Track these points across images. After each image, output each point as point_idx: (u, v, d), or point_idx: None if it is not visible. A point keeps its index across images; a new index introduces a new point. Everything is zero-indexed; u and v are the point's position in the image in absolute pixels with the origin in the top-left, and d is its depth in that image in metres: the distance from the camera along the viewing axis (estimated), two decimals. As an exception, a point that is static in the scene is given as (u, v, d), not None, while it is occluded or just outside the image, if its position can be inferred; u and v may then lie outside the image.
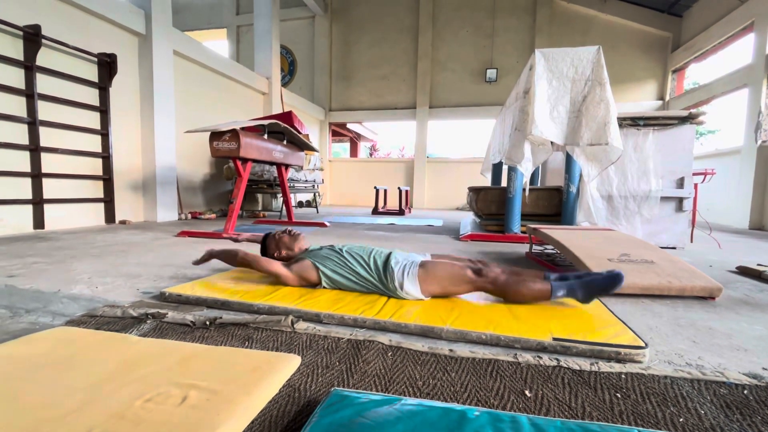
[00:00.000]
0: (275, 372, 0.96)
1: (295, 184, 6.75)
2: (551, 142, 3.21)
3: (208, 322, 1.34)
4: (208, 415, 0.77)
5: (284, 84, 10.43)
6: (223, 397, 0.84)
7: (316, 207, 8.11)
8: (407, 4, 9.93)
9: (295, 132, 4.78)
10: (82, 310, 1.51)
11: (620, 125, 3.35)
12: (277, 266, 1.77)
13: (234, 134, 3.54)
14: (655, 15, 8.46)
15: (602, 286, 1.49)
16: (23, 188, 3.75)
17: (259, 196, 7.80)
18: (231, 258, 1.85)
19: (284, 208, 5.17)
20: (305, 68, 10.78)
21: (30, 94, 3.73)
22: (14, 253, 2.65)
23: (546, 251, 2.99)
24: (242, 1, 10.84)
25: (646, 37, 8.69)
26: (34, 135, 3.78)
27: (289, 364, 1.01)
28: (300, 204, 9.33)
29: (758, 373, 1.09)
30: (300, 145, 5.09)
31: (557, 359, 1.12)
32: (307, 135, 6.29)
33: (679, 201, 3.53)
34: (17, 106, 3.68)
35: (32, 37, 3.71)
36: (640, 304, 1.75)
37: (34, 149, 3.78)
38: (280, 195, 6.23)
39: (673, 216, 3.55)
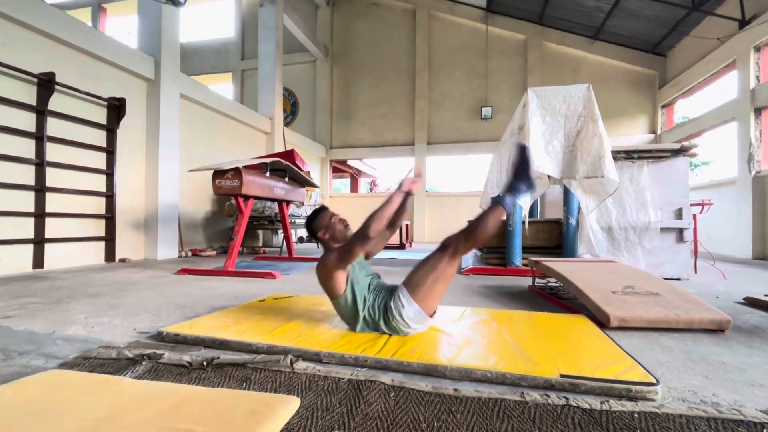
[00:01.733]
0: (273, 415, 0.92)
1: (296, 220, 6.79)
2: (548, 176, 3.26)
3: (205, 363, 1.30)
4: (202, 463, 0.74)
5: (287, 123, 10.76)
6: (219, 444, 0.80)
7: (317, 242, 8.10)
8: (404, 47, 10.45)
9: (297, 169, 4.88)
10: (77, 351, 1.47)
11: (615, 158, 3.43)
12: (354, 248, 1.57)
13: (237, 172, 3.61)
14: (640, 55, 8.87)
15: (518, 163, 1.66)
16: (26, 228, 3.77)
17: (260, 232, 7.81)
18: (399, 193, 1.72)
19: (285, 243, 5.16)
20: (307, 108, 11.17)
21: (40, 137, 3.85)
22: (11, 293, 2.62)
23: (549, 284, 2.96)
24: (247, 47, 11.42)
25: (633, 74, 9.07)
26: (40, 175, 3.85)
27: (287, 407, 0.97)
28: (301, 239, 9.32)
29: (776, 410, 1.04)
30: (301, 181, 5.17)
31: (566, 398, 1.07)
32: (309, 172, 6.42)
33: (680, 231, 3.53)
34: (26, 148, 3.79)
35: (46, 84, 3.88)
36: (648, 338, 1.71)
37: (40, 189, 3.85)
38: (281, 231, 6.25)
39: (675, 247, 3.54)
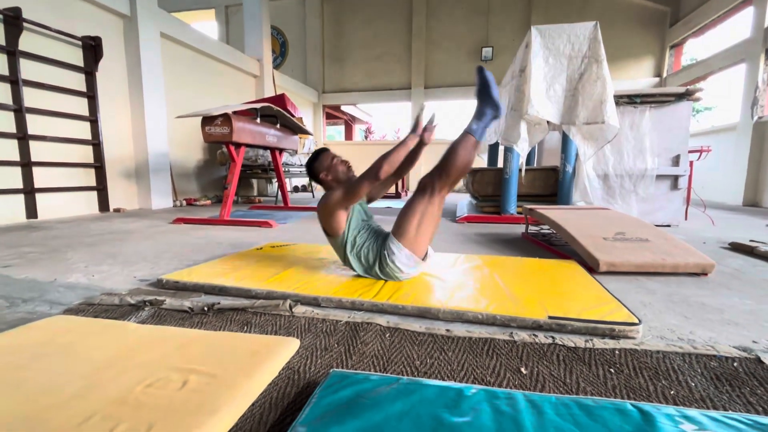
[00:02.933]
0: (274, 355, 0.97)
1: (290, 169, 6.70)
2: (547, 122, 3.18)
3: (206, 308, 1.34)
4: (208, 398, 0.78)
5: (276, 66, 10.20)
6: (223, 381, 0.84)
7: (311, 191, 8.07)
8: (400, -20, 9.65)
9: (289, 115, 4.71)
10: (80, 298, 1.51)
11: (617, 103, 3.33)
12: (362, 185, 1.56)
13: (226, 118, 3.48)
14: (653, -11, 8.27)
15: (479, 86, 1.63)
16: (14, 178, 3.69)
17: (254, 182, 7.74)
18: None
19: (279, 192, 5.14)
20: (297, 50, 10.53)
21: (14, 80, 3.63)
22: (8, 243, 2.63)
23: (542, 231, 3.01)
24: (230, -20, 10.48)
25: (644, 11, 8.52)
26: (21, 123, 3.69)
27: (288, 347, 1.02)
28: (296, 189, 9.28)
29: (748, 346, 1.11)
30: (294, 128, 5.02)
31: (552, 337, 1.13)
32: (301, 118, 6.21)
33: (675, 179, 3.54)
34: (2, 93, 3.59)
35: (13, 21, 3.58)
36: (634, 282, 1.78)
37: (22, 137, 3.71)
38: (275, 180, 6.19)
39: (668, 194, 3.56)
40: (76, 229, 3.28)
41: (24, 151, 3.74)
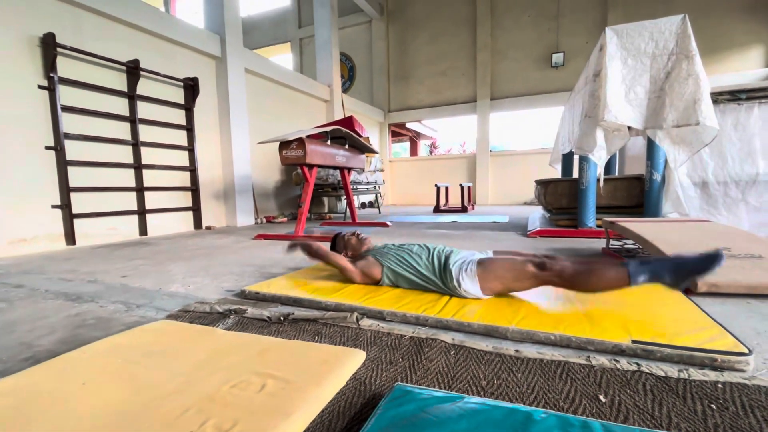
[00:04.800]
0: (342, 365, 1.02)
1: (358, 186, 6.96)
2: (628, 127, 2.92)
3: (282, 318, 1.45)
4: (283, 402, 0.85)
5: (345, 90, 10.79)
6: (297, 387, 0.91)
7: (378, 207, 8.28)
8: (463, -5, 9.69)
9: (356, 136, 4.94)
10: (178, 305, 1.73)
11: (715, 101, 2.96)
12: (344, 261, 1.88)
13: (300, 142, 3.76)
14: (759, -32, 7.25)
15: (697, 265, 1.22)
16: (131, 201, 4.37)
17: (325, 199, 8.17)
18: (308, 250, 1.95)
19: (348, 209, 5.36)
20: (364, 72, 11.04)
21: (133, 120, 4.33)
22: (126, 256, 3.11)
23: (625, 246, 2.74)
24: (303, 15, 11.43)
25: (747, -5, 7.48)
26: (137, 154, 4.38)
27: (355, 359, 1.06)
28: (363, 205, 9.59)
29: None
30: (361, 148, 5.24)
31: (638, 363, 1.03)
32: (368, 138, 6.46)
33: (797, 184, 3.00)
34: (123, 130, 4.30)
35: (133, 70, 4.30)
36: (743, 305, 1.53)
37: (137, 167, 4.39)
38: (344, 197, 6.46)
39: (790, 202, 3.02)
40: (176, 244, 3.76)
41: (138, 178, 4.41)
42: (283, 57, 11.99)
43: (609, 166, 4.95)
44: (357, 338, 1.26)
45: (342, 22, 10.21)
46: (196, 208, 5.13)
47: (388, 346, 1.20)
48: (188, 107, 5.02)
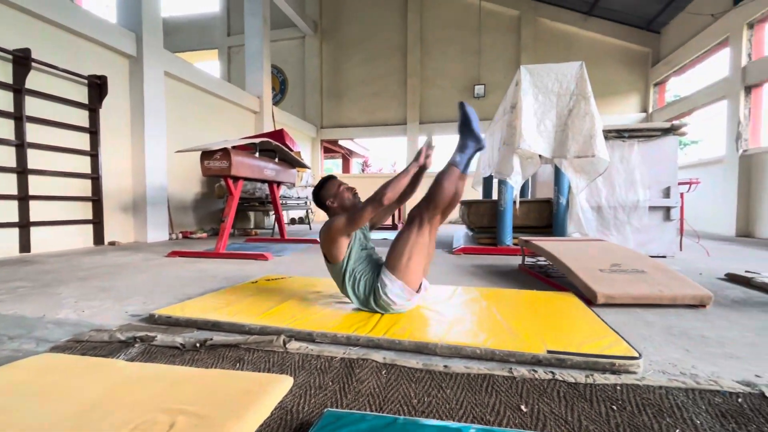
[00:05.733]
0: (267, 394, 0.94)
1: (288, 201, 6.74)
2: (539, 155, 3.26)
3: (198, 344, 1.31)
4: (197, 441, 0.75)
5: (276, 102, 10.52)
6: (213, 422, 0.81)
7: (308, 224, 8.09)
8: (395, 23, 10.18)
9: (287, 149, 4.81)
10: (68, 335, 1.47)
11: (606, 137, 3.44)
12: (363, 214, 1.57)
13: (225, 153, 3.54)
14: (634, 31, 8.77)
15: (460, 120, 1.74)
16: (9, 211, 3.69)
17: (251, 214, 7.77)
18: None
19: (276, 225, 5.14)
20: (296, 87, 10.91)
21: (18, 117, 3.72)
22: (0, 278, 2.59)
23: (539, 263, 3.01)
24: (233, 22, 11.02)
25: (627, 52, 8.98)
26: (21, 157, 3.74)
27: (281, 386, 0.99)
28: (292, 221, 9.29)
29: (751, 380, 1.09)
30: (292, 162, 5.11)
31: (552, 372, 1.11)
32: (299, 152, 6.33)
33: (667, 210, 3.59)
34: (5, 128, 3.66)
35: (22, 61, 3.72)
36: (632, 314, 1.76)
37: (22, 171, 3.74)
38: (273, 212, 6.21)
39: (662, 225, 3.60)
40: (68, 262, 3.25)
41: (22, 184, 3.76)
42: (209, 63, 11.37)
43: (524, 190, 5.47)
44: (284, 363, 1.19)
45: (275, 35, 10.03)
46: (97, 221, 4.51)
47: (317, 369, 1.14)
48: (93, 108, 4.46)
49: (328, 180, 1.82)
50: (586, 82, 3.12)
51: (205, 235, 5.86)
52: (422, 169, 1.76)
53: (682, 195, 3.78)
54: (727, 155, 6.05)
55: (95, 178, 4.49)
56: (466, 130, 1.72)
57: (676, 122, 3.60)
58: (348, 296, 1.67)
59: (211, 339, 1.34)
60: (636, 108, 9.05)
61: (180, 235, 5.60)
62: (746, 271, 2.55)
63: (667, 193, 3.58)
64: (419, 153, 1.73)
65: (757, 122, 5.79)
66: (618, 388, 1.03)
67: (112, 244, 4.62)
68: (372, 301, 1.61)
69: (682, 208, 3.85)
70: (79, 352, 1.28)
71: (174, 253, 3.67)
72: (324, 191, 1.79)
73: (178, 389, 0.96)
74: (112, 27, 4.66)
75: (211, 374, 1.06)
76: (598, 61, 8.95)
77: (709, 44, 6.70)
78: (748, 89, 5.82)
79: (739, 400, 0.97)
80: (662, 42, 8.46)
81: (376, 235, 6.06)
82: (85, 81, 4.39)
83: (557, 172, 3.59)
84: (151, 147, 5.04)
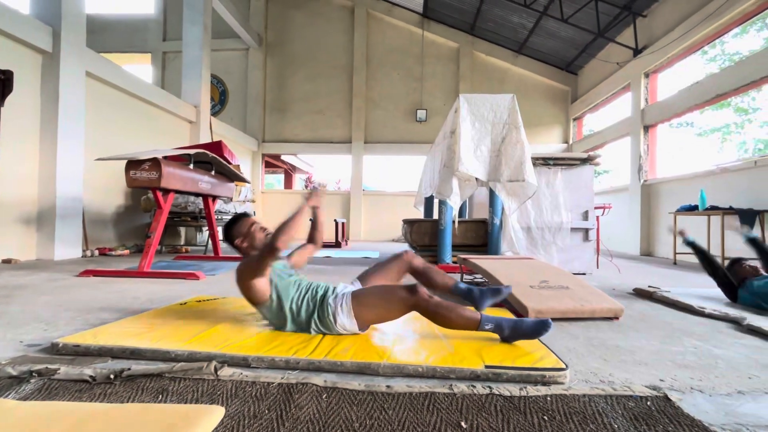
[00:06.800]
0: (193, 428, 0.85)
1: (224, 216, 6.37)
2: (476, 178, 3.46)
3: (112, 376, 1.16)
4: (105, 490, 0.65)
5: (215, 113, 10.05)
6: (127, 466, 0.71)
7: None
8: (342, 44, 10.36)
9: (225, 162, 4.58)
10: (-60, 372, 1.22)
11: (534, 164, 3.75)
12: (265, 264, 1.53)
13: (155, 163, 3.28)
14: (556, 71, 9.84)
15: (530, 331, 1.48)
16: None
17: (182, 230, 7.21)
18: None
19: (210, 241, 4.82)
20: (238, 98, 10.54)
21: None
22: None
23: (476, 280, 3.14)
24: (170, 28, 10.45)
25: (551, 88, 10.02)
26: None
27: (210, 417, 0.91)
28: (229, 238, 8.77)
29: (657, 384, 1.22)
30: (230, 175, 4.87)
31: (489, 387, 1.15)
32: (238, 165, 6.06)
33: (586, 232, 3.98)
34: None
35: None
36: (558, 327, 1.90)
37: None
38: (206, 228, 5.82)
39: (582, 245, 3.98)
40: (-53, 284, 2.73)
41: None
42: (140, 67, 10.58)
43: (462, 210, 5.73)
44: (214, 392, 1.09)
45: (216, 44, 9.65)
46: (-11, 236, 3.88)
47: (252, 397, 1.06)
48: (-7, 105, 3.89)
49: (240, 217, 1.77)
50: (517, 113, 3.40)
51: (127, 252, 5.31)
52: (314, 209, 1.81)
53: (597, 218, 4.23)
54: (632, 184, 6.92)
55: (-10, 185, 3.89)
56: (523, 336, 1.50)
57: (591, 153, 4.05)
58: (286, 326, 1.60)
59: (129, 369, 1.20)
60: (559, 139, 10.05)
61: (96, 252, 5.00)
62: (649, 286, 2.89)
63: (585, 216, 3.97)
64: (310, 193, 1.74)
65: (653, 157, 6.73)
66: (548, 398, 1.09)
67: (7, 261, 3.99)
68: (316, 316, 1.57)
69: (598, 229, 4.30)
70: (-47, 392, 1.07)
71: (88, 272, 3.26)
72: (234, 229, 1.74)
73: (84, 429, 0.84)
74: (23, 18, 4.17)
75: (126, 409, 0.94)
76: (527, 94, 9.85)
77: (616, 88, 7.72)
78: (646, 128, 6.77)
79: (648, 403, 1.07)
80: (579, 82, 9.58)
81: (318, 252, 5.92)
82: (-15, 75, 3.84)
83: (492, 195, 3.83)
84: (64, 153, 4.51)
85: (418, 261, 1.93)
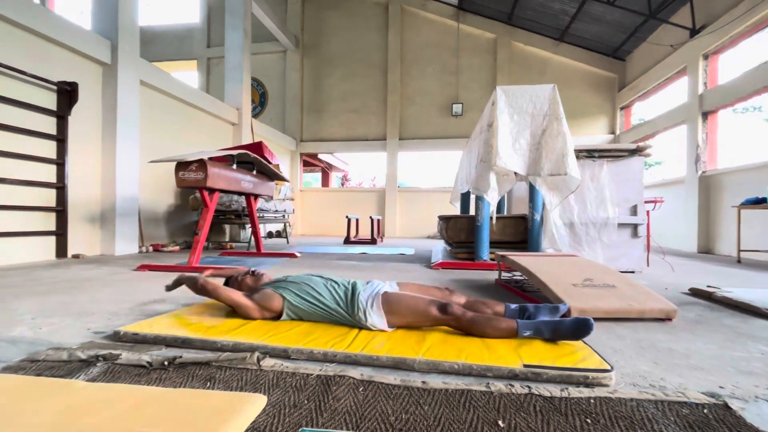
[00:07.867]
0: (238, 414, 0.90)
1: (265, 215, 6.63)
2: (515, 173, 3.36)
3: (166, 363, 1.25)
4: (161, 466, 0.71)
5: (255, 115, 10.45)
6: (180, 446, 0.77)
7: (286, 237, 7.96)
8: (377, 42, 10.39)
9: (265, 162, 4.75)
10: (22, 354, 1.37)
11: (577, 157, 3.58)
12: (237, 296, 1.71)
13: (201, 164, 3.47)
14: (601, 58, 9.28)
15: (571, 332, 1.43)
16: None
17: (227, 227, 7.58)
18: (193, 285, 1.76)
19: (253, 238, 5.03)
20: (276, 100, 10.89)
21: (-22, 122, 3.53)
22: (-54, 292, 2.41)
23: (514, 278, 3.06)
24: (213, 34, 10.97)
25: (595, 77, 9.48)
26: (-21, 164, 3.54)
27: (254, 405, 0.95)
28: (270, 234, 9.12)
29: (715, 391, 1.13)
30: (270, 175, 5.05)
31: (528, 386, 1.12)
32: (278, 165, 6.26)
33: (634, 227, 3.75)
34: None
35: (-15, 64, 3.56)
36: (603, 328, 1.81)
37: (-21, 179, 3.54)
38: (249, 225, 6.09)
39: (630, 241, 3.75)
40: (26, 276, 3.06)
41: (-21, 193, 3.54)
42: (187, 74, 11.21)
43: (500, 206, 5.58)
44: (257, 381, 1.14)
45: (256, 48, 10.02)
46: (60, 233, 4.29)
47: (292, 387, 1.11)
48: (61, 115, 4.29)
49: (226, 283, 1.95)
50: (558, 103, 3.25)
51: (177, 248, 5.66)
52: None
53: (648, 213, 3.96)
54: (688, 176, 6.41)
55: (60, 187, 4.29)
56: (564, 336, 1.45)
57: (641, 143, 3.80)
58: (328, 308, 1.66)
59: (181, 356, 1.28)
60: (604, 130, 9.50)
61: (150, 248, 5.39)
62: (708, 286, 2.67)
63: (634, 210, 3.74)
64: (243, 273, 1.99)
65: (713, 146, 6.19)
66: (592, 401, 1.04)
67: (76, 257, 4.39)
68: (353, 304, 1.64)
69: (648, 225, 4.03)
70: (33, 372, 1.20)
71: (143, 267, 3.52)
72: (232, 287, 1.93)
73: (143, 410, 0.91)
74: (86, 33, 4.54)
75: (179, 394, 1.01)
76: (569, 84, 9.39)
77: (669, 73, 7.17)
78: (705, 115, 6.23)
79: (705, 411, 1.00)
80: (627, 69, 8.99)
81: (354, 249, 6.02)
82: (55, 87, 4.24)
83: (532, 189, 3.70)
84: (122, 156, 4.88)
85: (461, 301, 1.77)
